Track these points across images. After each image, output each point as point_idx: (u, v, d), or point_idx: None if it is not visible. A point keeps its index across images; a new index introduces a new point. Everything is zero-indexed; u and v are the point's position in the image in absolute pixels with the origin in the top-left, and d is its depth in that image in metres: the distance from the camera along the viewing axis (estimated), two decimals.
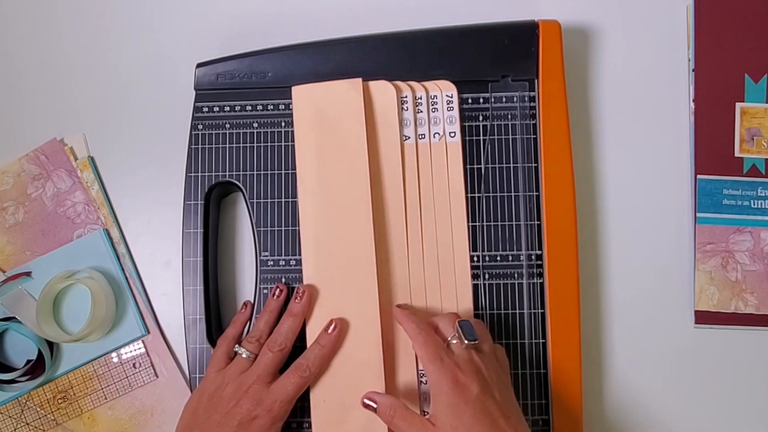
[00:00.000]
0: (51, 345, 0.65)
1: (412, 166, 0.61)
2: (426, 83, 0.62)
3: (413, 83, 0.62)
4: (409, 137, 0.62)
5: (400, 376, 0.59)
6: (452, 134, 0.62)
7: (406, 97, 0.62)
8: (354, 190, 0.60)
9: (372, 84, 0.62)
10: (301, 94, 0.62)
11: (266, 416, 0.55)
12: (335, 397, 0.58)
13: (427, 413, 0.58)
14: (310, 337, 0.59)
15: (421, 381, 0.59)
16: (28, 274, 0.66)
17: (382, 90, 0.62)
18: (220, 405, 0.55)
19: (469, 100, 0.63)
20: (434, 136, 0.62)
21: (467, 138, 0.62)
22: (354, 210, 0.60)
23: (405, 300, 0.60)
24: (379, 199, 0.61)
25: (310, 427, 0.59)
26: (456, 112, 0.62)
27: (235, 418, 0.54)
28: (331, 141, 0.61)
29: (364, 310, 0.58)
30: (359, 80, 0.61)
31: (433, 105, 0.62)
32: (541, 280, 0.61)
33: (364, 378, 0.57)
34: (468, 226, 0.61)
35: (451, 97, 0.62)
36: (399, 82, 0.62)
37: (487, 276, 0.61)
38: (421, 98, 0.62)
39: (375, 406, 0.54)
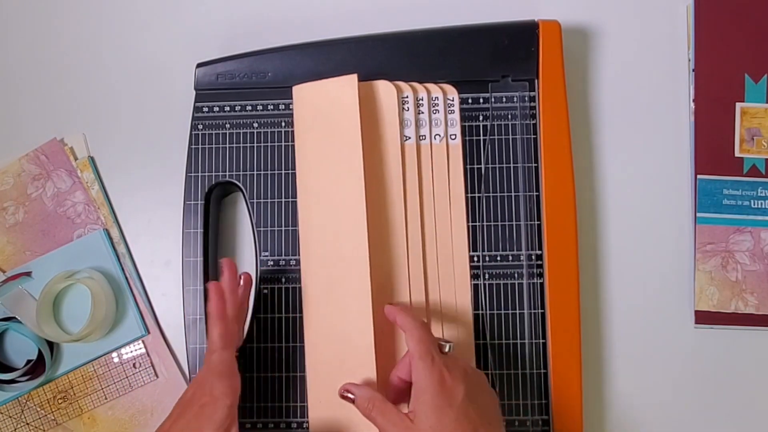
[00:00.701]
0: (51, 345, 0.65)
1: (412, 167, 0.61)
2: (428, 85, 0.62)
3: (414, 84, 0.62)
4: (409, 137, 0.62)
5: None
6: (453, 137, 0.62)
7: (407, 97, 0.62)
8: (349, 186, 0.59)
9: (373, 83, 0.62)
10: (301, 93, 0.62)
11: (209, 399, 0.52)
12: (332, 397, 0.58)
13: None
14: (308, 338, 0.59)
15: None
16: (28, 274, 0.66)
17: (383, 90, 0.62)
18: (188, 402, 0.54)
19: (469, 101, 0.63)
20: (435, 138, 0.62)
21: (467, 138, 0.62)
22: (349, 207, 0.59)
23: (405, 299, 0.60)
24: (379, 198, 0.61)
25: (309, 427, 0.59)
26: (457, 115, 0.62)
27: (191, 410, 0.53)
28: (328, 138, 0.61)
29: (357, 308, 0.58)
30: (354, 76, 0.61)
31: (434, 107, 0.62)
32: (541, 280, 0.61)
33: (358, 379, 0.57)
34: (468, 226, 0.61)
35: (452, 100, 0.62)
36: (400, 83, 0.62)
37: (487, 276, 0.61)
38: (422, 99, 0.62)
39: (353, 397, 0.53)
